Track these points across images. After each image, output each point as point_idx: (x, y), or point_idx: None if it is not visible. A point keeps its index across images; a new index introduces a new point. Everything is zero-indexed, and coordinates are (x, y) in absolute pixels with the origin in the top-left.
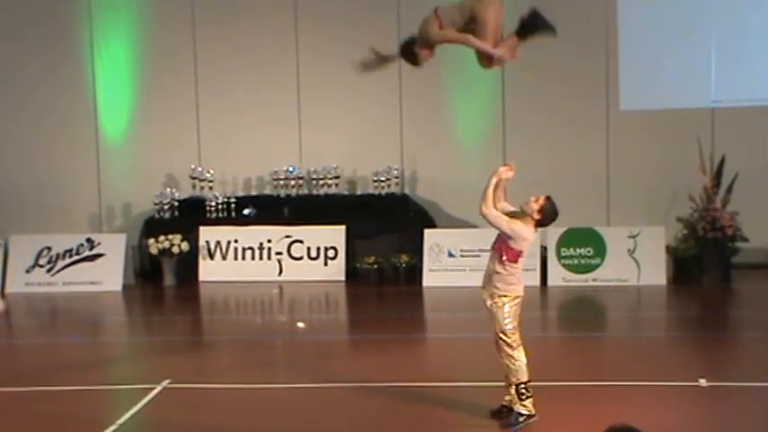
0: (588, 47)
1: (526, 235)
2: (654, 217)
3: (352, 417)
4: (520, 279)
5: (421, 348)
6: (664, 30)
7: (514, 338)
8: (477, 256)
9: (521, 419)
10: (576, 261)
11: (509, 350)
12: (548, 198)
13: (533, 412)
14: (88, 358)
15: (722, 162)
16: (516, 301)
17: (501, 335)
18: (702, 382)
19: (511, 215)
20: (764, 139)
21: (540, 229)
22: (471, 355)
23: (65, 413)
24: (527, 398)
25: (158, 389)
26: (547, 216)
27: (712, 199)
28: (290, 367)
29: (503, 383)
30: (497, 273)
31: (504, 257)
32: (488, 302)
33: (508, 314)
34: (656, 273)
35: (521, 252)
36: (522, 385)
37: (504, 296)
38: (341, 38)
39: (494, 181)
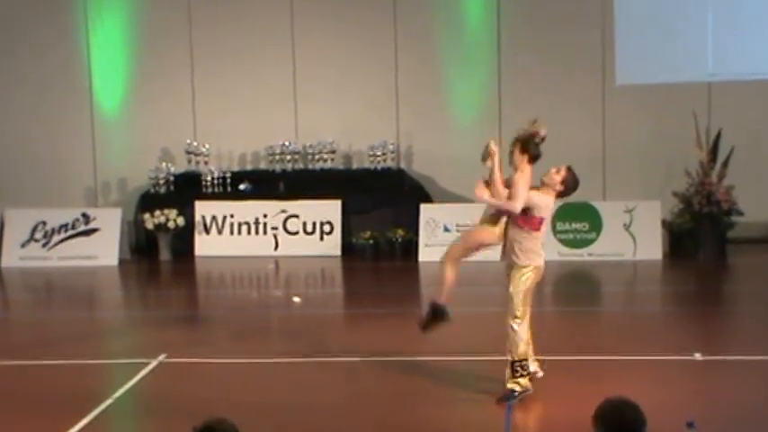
0: (584, 21)
1: (546, 203)
2: (650, 191)
3: (348, 390)
4: (540, 251)
5: (416, 323)
6: (660, 4)
7: (522, 310)
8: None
9: (515, 394)
10: (571, 236)
11: (512, 319)
12: (568, 169)
13: (528, 388)
14: (84, 333)
15: (718, 136)
16: (535, 272)
17: (510, 299)
18: (698, 356)
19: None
20: (761, 114)
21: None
22: (467, 329)
23: (61, 387)
24: (521, 376)
25: (154, 363)
26: (569, 187)
27: (708, 173)
28: (286, 341)
29: (501, 357)
30: (517, 242)
31: (526, 227)
32: (509, 273)
33: (523, 282)
34: (651, 247)
35: (542, 219)
36: (518, 363)
37: (524, 267)
38: (336, 13)
39: (496, 167)
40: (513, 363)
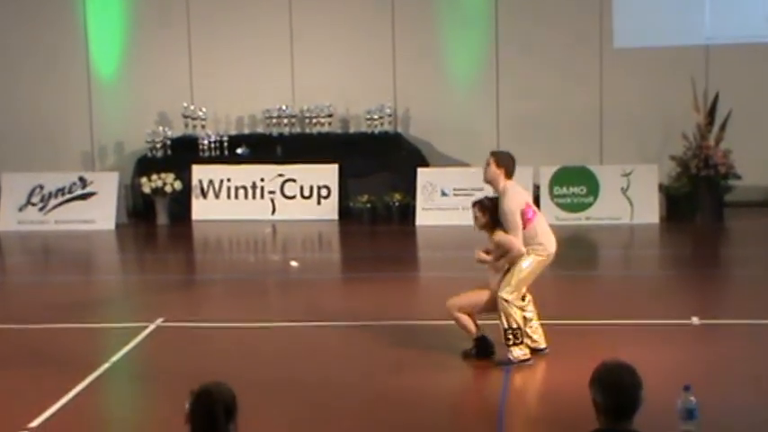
0: None
1: (517, 202)
2: (647, 155)
3: (345, 354)
4: (542, 241)
5: (414, 287)
6: None
7: (515, 295)
8: (470, 194)
9: (513, 359)
10: (569, 200)
11: (503, 292)
12: (492, 154)
13: (527, 356)
14: (81, 297)
15: (716, 100)
16: (541, 258)
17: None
18: (695, 320)
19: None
20: (758, 77)
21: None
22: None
23: (58, 351)
24: (513, 344)
25: (152, 327)
26: (509, 167)
27: (706, 137)
28: (283, 305)
29: (496, 321)
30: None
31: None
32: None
33: (528, 264)
34: (648, 211)
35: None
36: (510, 330)
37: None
38: None
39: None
40: (505, 330)
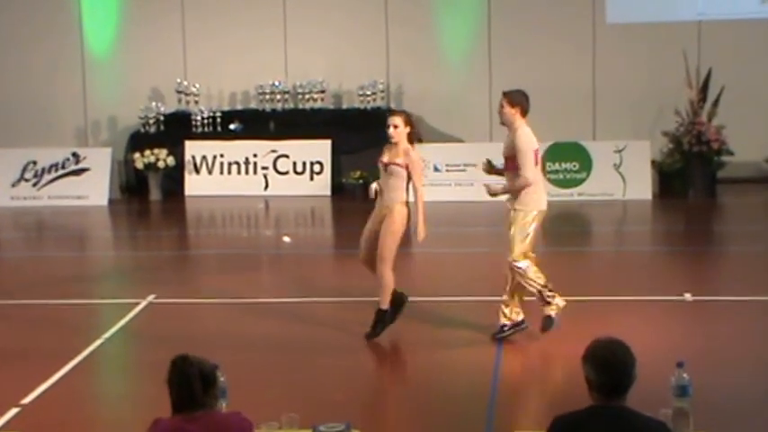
0: None
1: (529, 142)
2: (640, 131)
3: (337, 331)
4: (539, 191)
5: (406, 263)
6: None
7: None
8: (463, 170)
9: (553, 318)
10: (561, 175)
11: (512, 261)
12: (504, 94)
13: (552, 315)
14: (74, 273)
15: (708, 75)
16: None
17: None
18: (687, 296)
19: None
20: (751, 53)
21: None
22: (456, 269)
23: (51, 327)
24: (549, 302)
25: (144, 303)
26: (521, 103)
27: (698, 113)
28: (276, 281)
29: (489, 298)
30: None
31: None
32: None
33: (530, 227)
34: (641, 187)
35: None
36: (543, 289)
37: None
38: None
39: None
40: (539, 291)
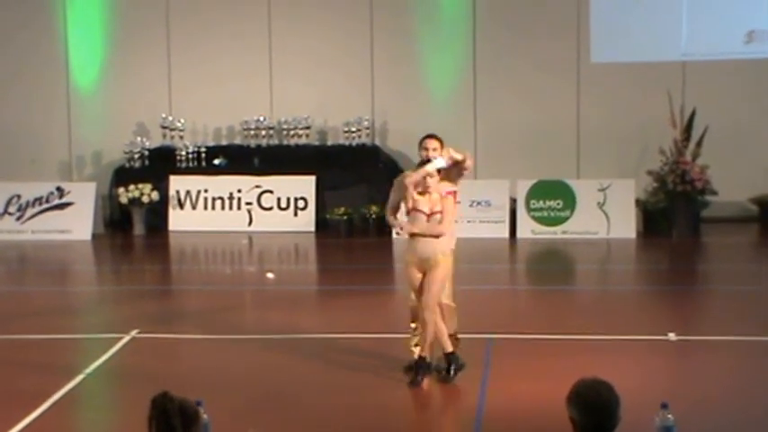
0: (559, 0)
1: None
2: (624, 170)
3: (321, 368)
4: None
5: (390, 300)
6: None
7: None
8: None
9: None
10: (545, 213)
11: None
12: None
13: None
14: (56, 307)
15: (692, 115)
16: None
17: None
18: (671, 336)
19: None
20: (734, 93)
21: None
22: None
23: (32, 361)
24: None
25: (127, 338)
26: None
27: (682, 152)
28: (259, 318)
29: (472, 334)
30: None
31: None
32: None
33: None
34: (625, 226)
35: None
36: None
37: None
38: None
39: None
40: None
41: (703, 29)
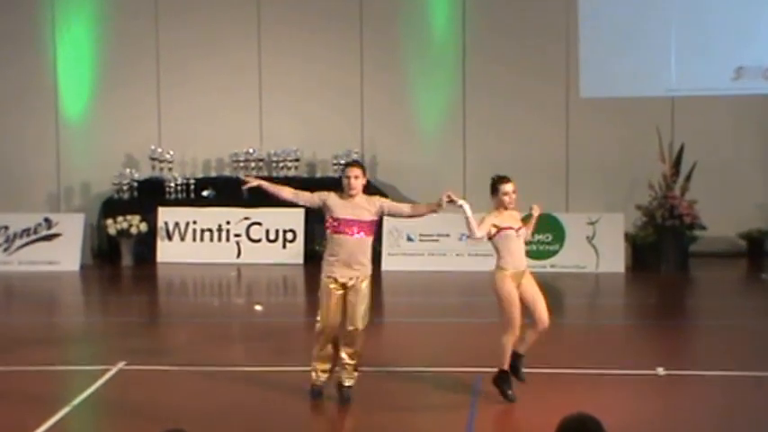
0: (548, 34)
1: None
2: (613, 204)
3: (309, 399)
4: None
5: (378, 333)
6: (624, 17)
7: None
8: (436, 240)
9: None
10: (534, 247)
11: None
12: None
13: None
14: (43, 338)
15: (681, 150)
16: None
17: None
18: (660, 370)
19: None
20: (723, 129)
21: None
22: (429, 339)
23: (18, 393)
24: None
25: (114, 370)
26: None
27: (671, 187)
28: (247, 350)
29: (462, 369)
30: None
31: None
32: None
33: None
34: (614, 260)
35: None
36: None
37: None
38: (302, 22)
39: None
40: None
41: (692, 65)
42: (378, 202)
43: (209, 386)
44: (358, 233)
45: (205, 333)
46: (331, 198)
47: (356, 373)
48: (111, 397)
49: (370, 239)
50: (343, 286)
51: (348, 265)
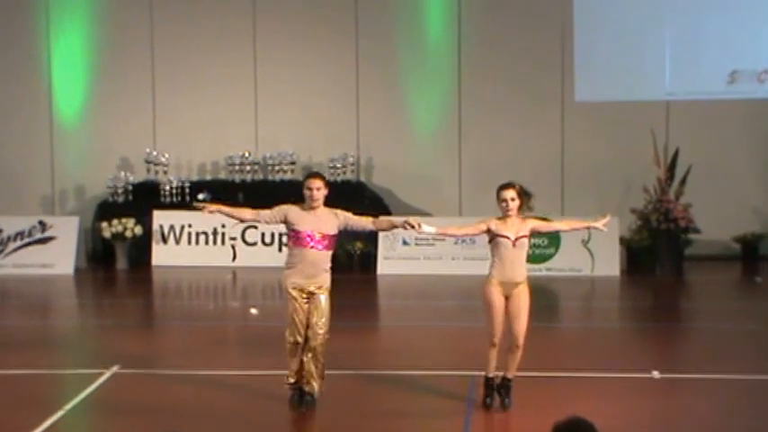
0: (543, 38)
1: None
2: (608, 208)
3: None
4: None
5: (374, 336)
6: (619, 22)
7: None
8: (432, 244)
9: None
10: (530, 251)
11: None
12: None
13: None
14: (37, 342)
15: (676, 154)
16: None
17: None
18: (655, 374)
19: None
20: (718, 133)
21: None
22: (424, 342)
23: (12, 396)
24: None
25: (108, 374)
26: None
27: (666, 191)
28: (242, 353)
29: (457, 372)
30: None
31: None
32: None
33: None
34: (609, 263)
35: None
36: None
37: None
38: (299, 26)
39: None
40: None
41: (687, 69)
42: (341, 215)
43: (204, 390)
44: (320, 246)
45: (200, 337)
46: (292, 212)
47: (321, 380)
48: (104, 400)
49: (330, 253)
50: (307, 297)
51: (310, 277)
